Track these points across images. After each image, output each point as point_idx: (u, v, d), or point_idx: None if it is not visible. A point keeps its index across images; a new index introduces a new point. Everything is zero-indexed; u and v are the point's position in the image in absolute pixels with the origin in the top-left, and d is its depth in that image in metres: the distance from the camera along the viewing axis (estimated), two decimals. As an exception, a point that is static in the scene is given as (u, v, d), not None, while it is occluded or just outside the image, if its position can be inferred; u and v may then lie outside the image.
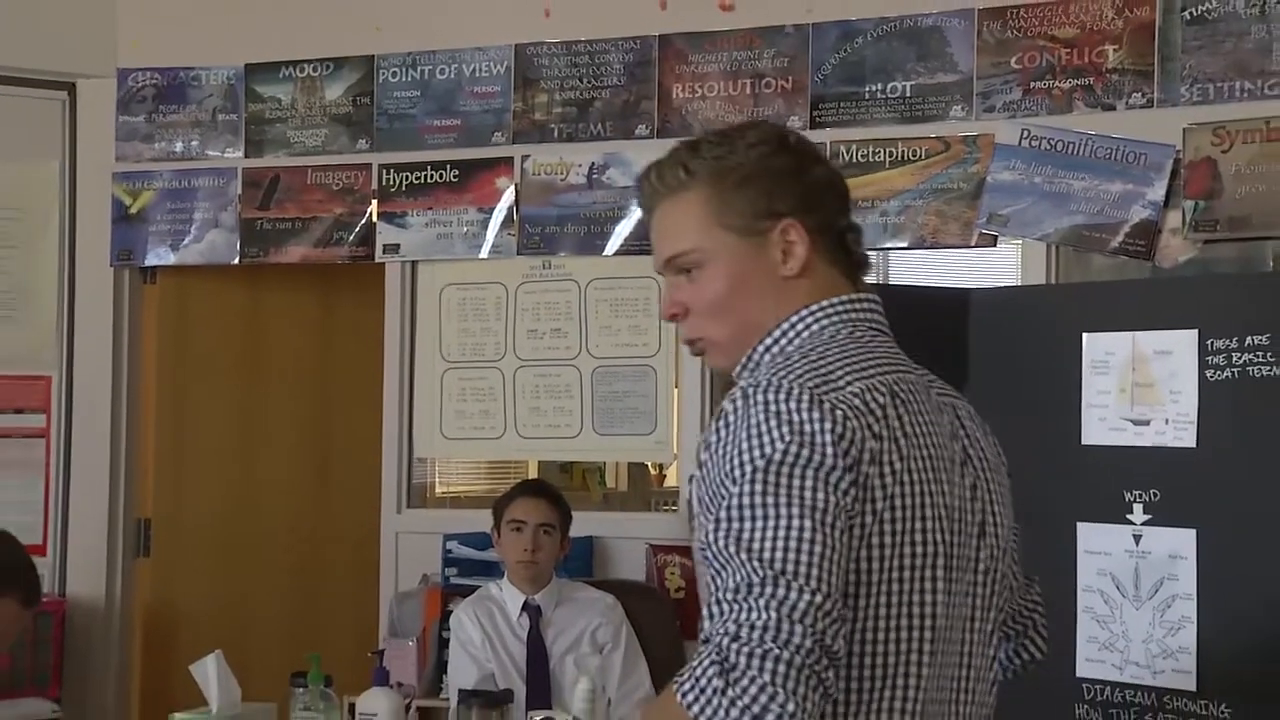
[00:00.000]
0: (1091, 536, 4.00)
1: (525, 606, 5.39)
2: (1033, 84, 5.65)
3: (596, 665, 5.11)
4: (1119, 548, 3.94)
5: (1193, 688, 3.80)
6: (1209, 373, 3.87)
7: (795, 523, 2.19)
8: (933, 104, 5.79)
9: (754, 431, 2.24)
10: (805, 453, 2.22)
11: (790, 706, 2.08)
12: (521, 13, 6.31)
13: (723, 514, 2.22)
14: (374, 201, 6.52)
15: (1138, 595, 3.90)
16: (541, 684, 5.17)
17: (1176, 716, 3.83)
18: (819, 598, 2.15)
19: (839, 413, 2.26)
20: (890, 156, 5.83)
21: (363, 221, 6.54)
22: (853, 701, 2.29)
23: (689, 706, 2.14)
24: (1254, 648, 3.72)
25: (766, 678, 2.09)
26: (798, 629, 2.12)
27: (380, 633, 6.24)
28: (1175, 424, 3.90)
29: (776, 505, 2.20)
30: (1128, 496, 3.93)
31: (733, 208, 2.46)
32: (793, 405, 2.25)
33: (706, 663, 2.14)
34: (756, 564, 2.17)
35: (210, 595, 6.77)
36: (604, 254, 6.21)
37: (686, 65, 6.09)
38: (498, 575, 5.58)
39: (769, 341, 2.47)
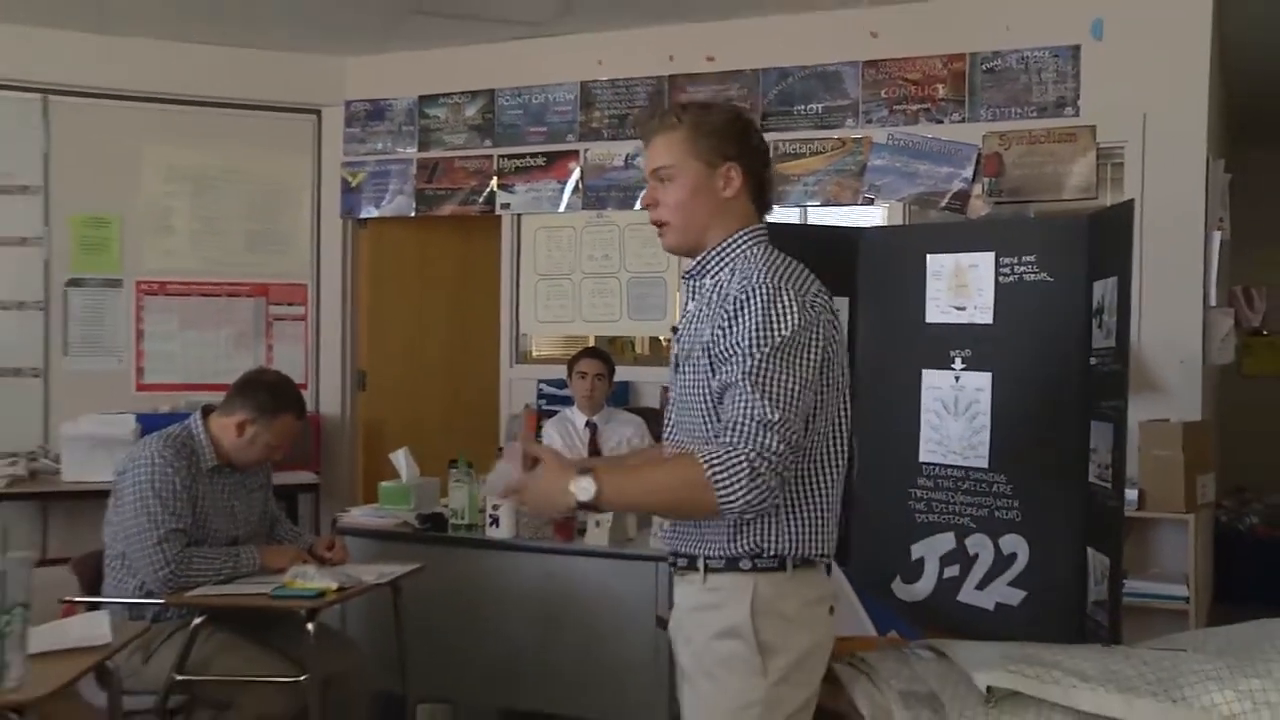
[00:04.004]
0: (930, 378, 3.89)
1: (587, 424, 5.45)
2: (895, 107, 5.73)
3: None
4: (946, 384, 3.84)
5: (985, 465, 3.74)
6: (1000, 278, 3.78)
7: (794, 385, 2.17)
8: (835, 117, 5.84)
9: (772, 319, 2.19)
10: (801, 337, 2.20)
11: (776, 496, 2.13)
12: (584, 63, 6.33)
13: (750, 365, 2.17)
14: (494, 178, 6.56)
15: (956, 412, 3.83)
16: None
17: (975, 482, 3.77)
18: (800, 437, 2.16)
19: (817, 308, 2.25)
20: (809, 149, 5.87)
21: (488, 190, 6.58)
22: (810, 487, 2.30)
23: (715, 480, 2.11)
24: (1020, 441, 3.70)
25: (774, 483, 2.11)
26: (790, 458, 2.13)
27: (500, 438, 6.31)
28: (980, 309, 3.80)
29: (784, 370, 2.17)
30: (952, 354, 3.83)
31: (702, 147, 2.37)
32: (796, 305, 2.21)
33: (739, 461, 2.11)
34: (773, 407, 2.13)
35: (401, 414, 6.88)
36: (635, 209, 6.21)
37: (685, 93, 6.11)
38: (570, 404, 5.61)
39: (720, 250, 2.39)
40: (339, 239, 6.94)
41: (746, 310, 2.21)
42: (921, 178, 5.64)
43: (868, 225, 5.69)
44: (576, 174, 6.39)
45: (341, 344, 6.95)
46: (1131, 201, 3.53)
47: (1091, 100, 5.36)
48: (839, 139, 5.83)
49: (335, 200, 6.91)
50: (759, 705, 2.24)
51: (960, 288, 3.86)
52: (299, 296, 6.89)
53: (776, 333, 2.19)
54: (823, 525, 2.32)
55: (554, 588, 4.35)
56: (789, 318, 2.20)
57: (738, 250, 2.37)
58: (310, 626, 3.54)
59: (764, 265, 2.30)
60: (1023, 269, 3.76)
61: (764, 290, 2.22)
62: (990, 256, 3.80)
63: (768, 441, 2.12)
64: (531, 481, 2.29)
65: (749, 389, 2.16)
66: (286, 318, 6.86)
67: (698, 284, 2.42)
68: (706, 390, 2.28)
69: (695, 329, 2.34)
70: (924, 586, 3.83)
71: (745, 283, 2.26)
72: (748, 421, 2.14)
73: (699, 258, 2.41)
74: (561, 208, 6.45)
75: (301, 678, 3.56)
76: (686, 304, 2.45)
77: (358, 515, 4.80)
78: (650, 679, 4.12)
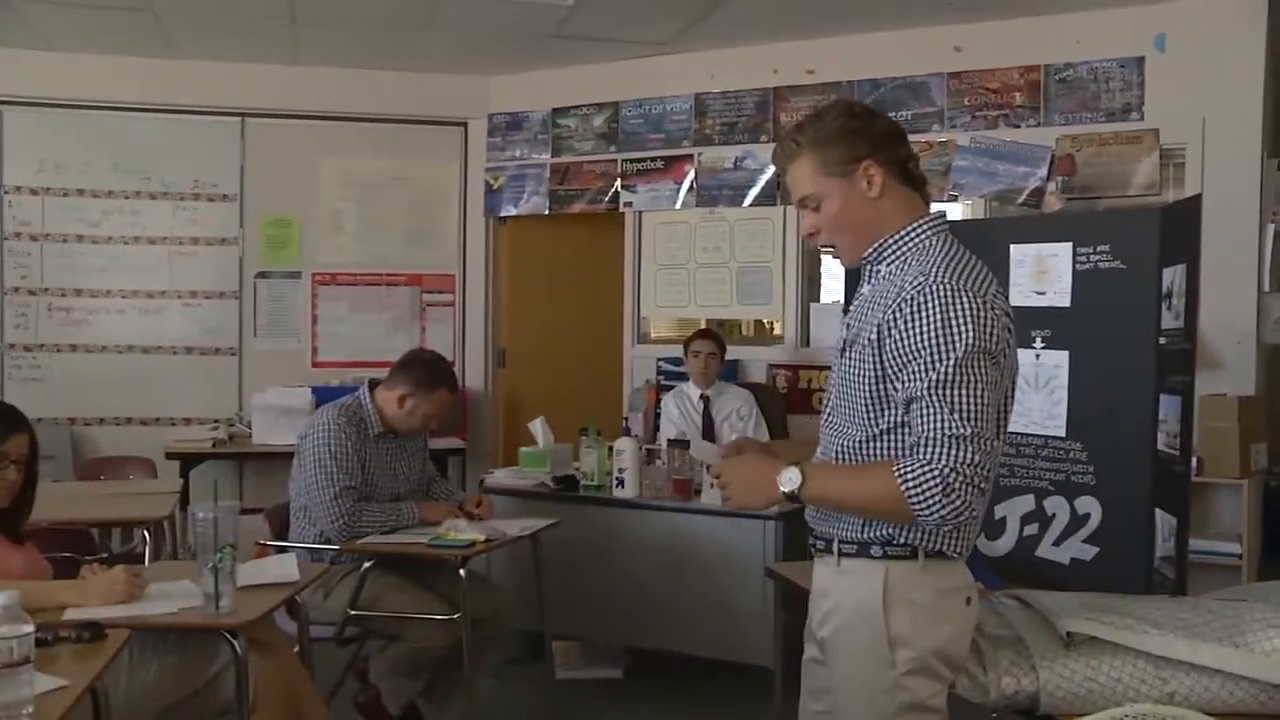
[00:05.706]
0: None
1: (701, 396, 5.40)
2: (976, 113, 5.65)
3: (740, 427, 5.18)
4: (1027, 361, 3.71)
5: (1063, 434, 3.65)
6: (1077, 265, 3.68)
7: (982, 394, 1.92)
8: (923, 123, 5.76)
9: (952, 325, 1.93)
10: (984, 343, 1.93)
11: (976, 512, 1.92)
12: (698, 78, 6.32)
13: (935, 378, 1.92)
14: (618, 179, 6.57)
15: (1037, 386, 3.74)
16: (709, 438, 5.03)
17: (1053, 449, 3.69)
18: (994, 445, 1.94)
19: (997, 312, 1.97)
20: (899, 152, 5.83)
21: (612, 189, 6.59)
22: None
23: (909, 495, 1.90)
24: (1095, 413, 3.60)
25: (969, 497, 1.89)
26: (987, 468, 1.91)
27: (624, 409, 6.30)
28: (1058, 293, 3.71)
29: (971, 380, 1.92)
30: (1033, 334, 3.74)
31: (830, 161, 2.08)
32: (973, 309, 1.94)
33: (932, 477, 1.90)
34: (964, 420, 1.90)
35: (536, 388, 6.88)
36: (743, 206, 6.22)
37: (788, 103, 6.08)
38: (685, 379, 5.55)
39: (899, 238, 2.10)
40: (482, 235, 7.00)
41: (923, 314, 1.95)
42: (1001, 177, 5.57)
43: (953, 219, 5.57)
44: (691, 175, 6.38)
45: (484, 326, 7.02)
46: (1199, 196, 3.44)
47: (1155, 106, 5.28)
48: (926, 142, 5.74)
49: (479, 201, 6.97)
50: (887, 693, 2.02)
51: (1041, 274, 3.80)
52: (448, 285, 6.99)
53: (959, 340, 1.93)
54: None
55: (673, 541, 4.36)
56: (970, 323, 1.94)
57: (917, 239, 2.09)
58: (462, 572, 3.62)
59: (942, 261, 2.03)
60: (1098, 258, 3.69)
61: (943, 292, 1.96)
62: (1068, 246, 3.73)
63: (961, 455, 1.90)
64: (738, 467, 2.13)
65: (937, 403, 1.92)
66: (437, 304, 6.97)
67: (874, 269, 2.14)
68: (870, 378, 2.04)
69: (867, 315, 2.09)
70: (1006, 543, 3.78)
71: (922, 280, 1.99)
72: (939, 435, 1.91)
73: (876, 245, 2.12)
74: (678, 205, 6.44)
75: (455, 615, 3.63)
76: (861, 287, 2.18)
77: (501, 476, 4.84)
78: (759, 623, 4.11)
